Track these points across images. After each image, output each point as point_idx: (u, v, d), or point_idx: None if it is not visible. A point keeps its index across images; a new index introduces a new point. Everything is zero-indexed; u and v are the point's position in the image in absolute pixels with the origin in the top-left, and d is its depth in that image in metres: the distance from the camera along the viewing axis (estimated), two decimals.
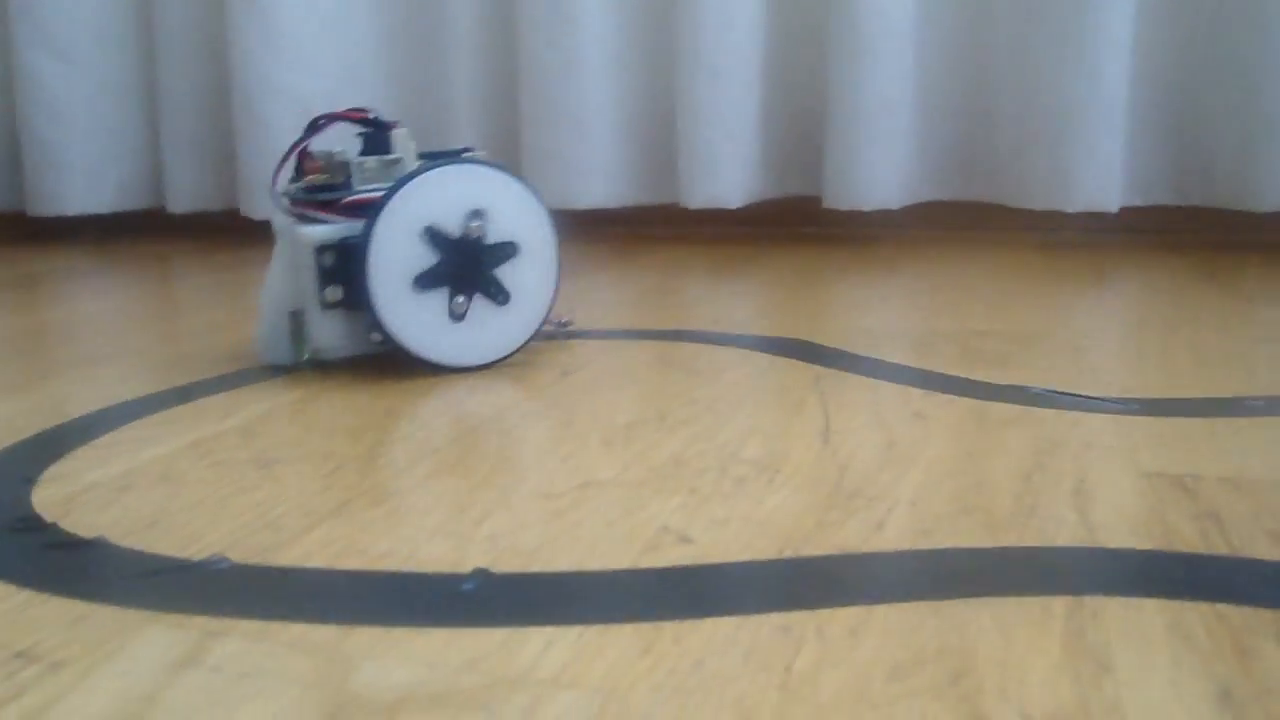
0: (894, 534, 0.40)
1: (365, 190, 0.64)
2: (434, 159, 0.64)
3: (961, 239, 1.19)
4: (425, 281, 0.63)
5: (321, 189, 0.65)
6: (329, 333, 0.65)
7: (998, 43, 1.12)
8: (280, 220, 0.66)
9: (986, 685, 0.29)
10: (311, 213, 0.64)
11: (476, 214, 0.63)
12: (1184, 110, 1.10)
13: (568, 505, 0.43)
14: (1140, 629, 0.32)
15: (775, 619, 0.33)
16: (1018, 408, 0.55)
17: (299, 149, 0.66)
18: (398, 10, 1.25)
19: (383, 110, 0.68)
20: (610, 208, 1.20)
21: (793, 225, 1.26)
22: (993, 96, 1.14)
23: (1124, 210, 1.11)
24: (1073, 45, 1.06)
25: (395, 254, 0.62)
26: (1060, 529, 0.40)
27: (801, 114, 1.18)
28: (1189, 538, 0.39)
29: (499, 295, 0.64)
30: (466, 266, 0.63)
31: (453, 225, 0.63)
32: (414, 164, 0.65)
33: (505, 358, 0.66)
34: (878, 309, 0.82)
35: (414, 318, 0.63)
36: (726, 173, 1.14)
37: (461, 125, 1.23)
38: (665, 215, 1.23)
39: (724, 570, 0.37)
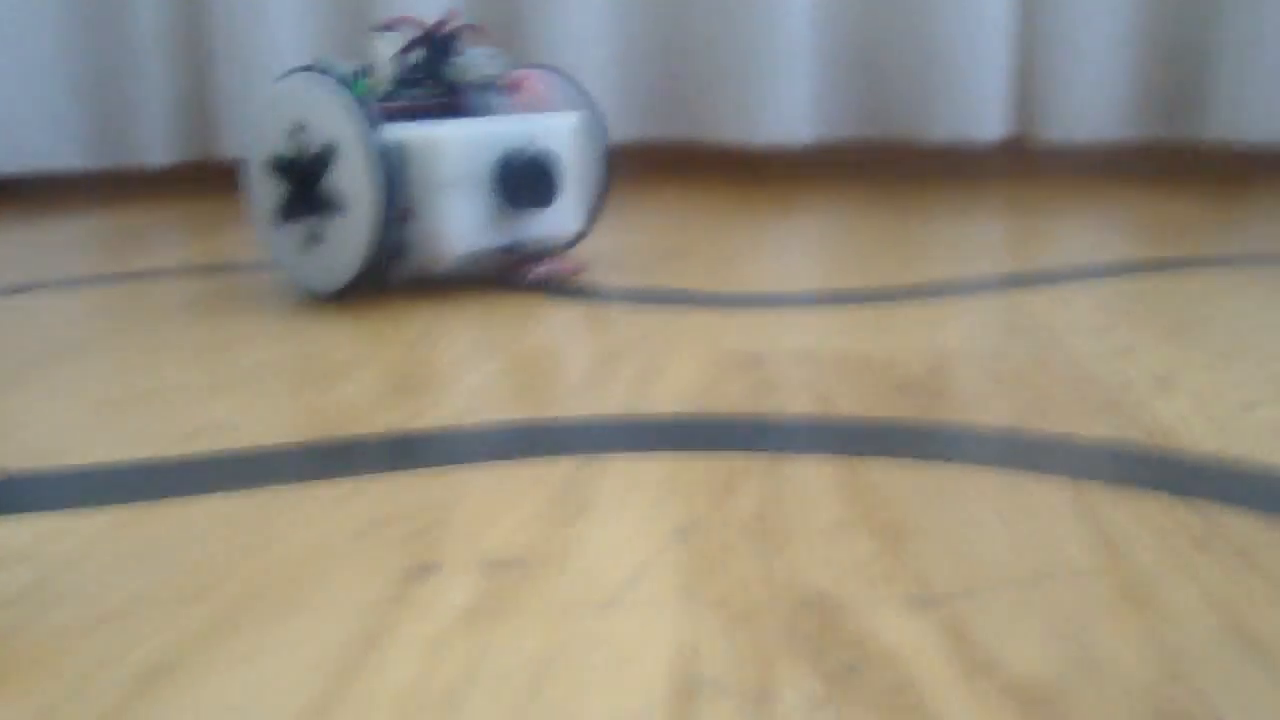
0: (447, 413, 0.39)
1: None
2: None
3: (675, 178, 1.20)
4: (281, 215, 0.59)
5: None
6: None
7: None
8: None
9: (453, 533, 0.29)
10: None
11: (299, 129, 0.57)
12: (866, 50, 1.13)
13: None
14: (635, 480, 0.33)
15: (284, 491, 0.32)
16: (633, 306, 0.55)
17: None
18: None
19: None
20: None
21: None
22: (688, 36, 1.15)
23: (819, 144, 1.15)
24: None
25: (262, 191, 0.59)
26: (610, 401, 0.40)
27: None
28: (738, 401, 0.40)
29: (335, 206, 0.56)
30: (306, 187, 0.57)
31: (286, 148, 0.58)
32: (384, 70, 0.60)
33: (364, 272, 0.56)
34: None
35: (284, 249, 0.59)
36: None
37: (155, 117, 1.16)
38: None
39: (263, 451, 0.36)
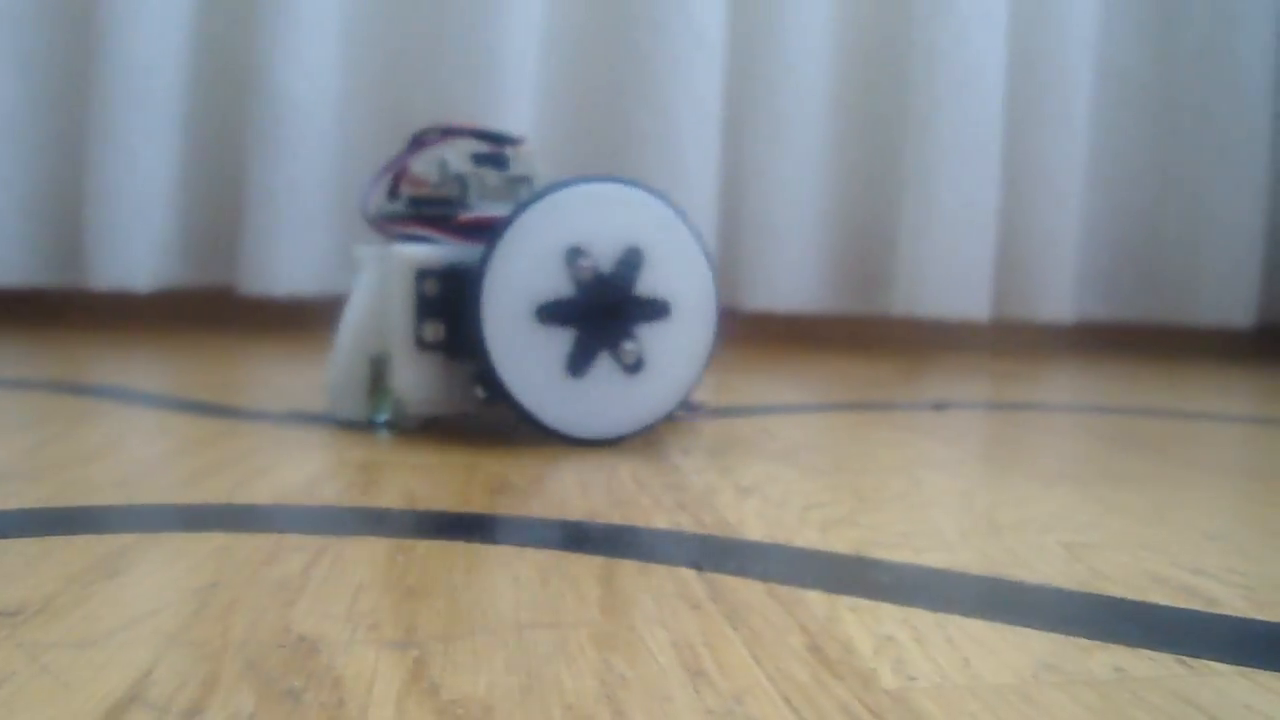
0: (28, 500, 0.39)
1: (487, 209, 0.53)
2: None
3: None
4: (551, 314, 0.50)
5: (431, 203, 0.53)
6: (420, 382, 0.52)
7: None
8: (368, 248, 0.55)
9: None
10: (417, 231, 0.52)
11: (635, 253, 0.51)
12: None
13: None
14: (181, 552, 0.33)
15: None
16: (277, 424, 0.56)
17: (400, 165, 0.56)
18: None
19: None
20: (11, 286, 1.13)
21: (207, 313, 1.23)
22: None
23: None
24: None
25: (524, 272, 0.49)
26: (206, 494, 0.40)
27: (219, 199, 1.17)
28: (329, 497, 0.41)
29: (632, 361, 0.51)
30: (604, 314, 0.51)
31: (605, 257, 0.50)
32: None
33: (622, 437, 0.52)
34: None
35: (525, 357, 0.50)
36: (136, 254, 1.11)
37: None
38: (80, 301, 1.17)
39: None
